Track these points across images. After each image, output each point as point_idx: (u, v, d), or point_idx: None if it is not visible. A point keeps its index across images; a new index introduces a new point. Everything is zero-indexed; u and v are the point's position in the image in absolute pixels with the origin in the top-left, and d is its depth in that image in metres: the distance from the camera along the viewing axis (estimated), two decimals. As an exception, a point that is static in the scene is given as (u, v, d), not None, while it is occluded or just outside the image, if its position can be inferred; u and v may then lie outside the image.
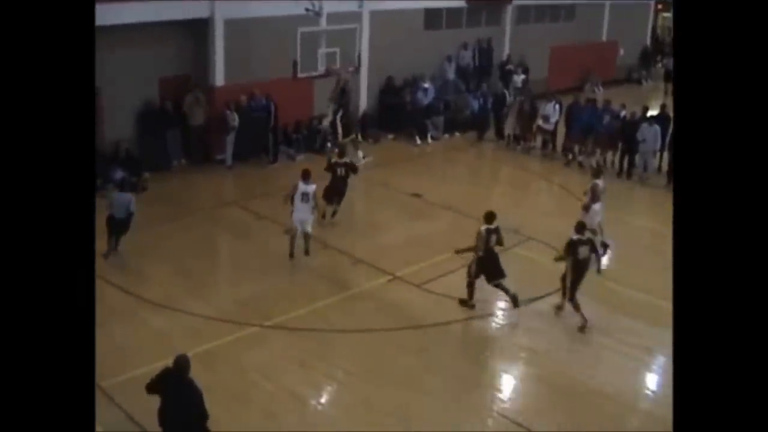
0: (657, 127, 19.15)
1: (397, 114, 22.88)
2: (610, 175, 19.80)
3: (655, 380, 10.82)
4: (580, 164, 20.08)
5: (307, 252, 13.77)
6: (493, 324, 12.31)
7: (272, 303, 12.28)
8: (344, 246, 14.63)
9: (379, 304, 12.52)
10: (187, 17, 18.31)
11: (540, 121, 21.68)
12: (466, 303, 12.29)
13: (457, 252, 12.33)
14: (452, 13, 25.12)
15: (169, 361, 7.97)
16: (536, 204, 18.60)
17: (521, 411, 9.85)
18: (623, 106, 20.77)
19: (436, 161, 21.78)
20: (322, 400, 10.09)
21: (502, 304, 12.56)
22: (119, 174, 15.76)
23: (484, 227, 11.96)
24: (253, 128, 19.34)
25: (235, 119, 19.01)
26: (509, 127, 22.76)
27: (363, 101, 22.64)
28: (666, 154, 19.51)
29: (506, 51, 27.25)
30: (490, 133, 23.28)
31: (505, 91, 23.93)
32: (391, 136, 22.77)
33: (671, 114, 16.82)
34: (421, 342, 11.41)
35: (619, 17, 31.32)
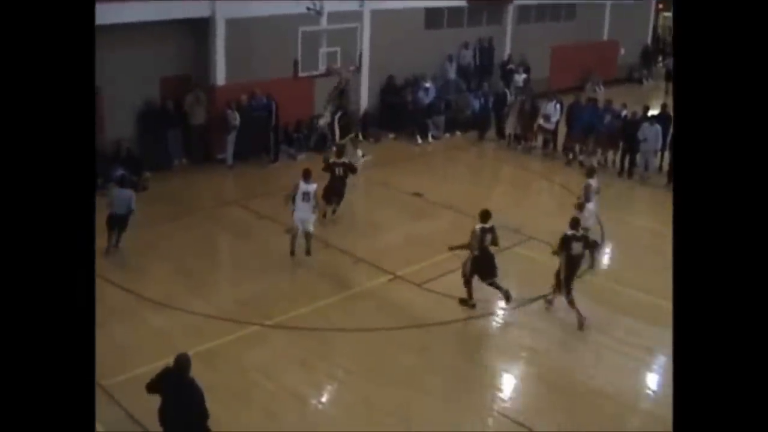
0: (658, 127, 19.14)
1: (398, 113, 22.88)
2: (611, 174, 19.86)
3: (655, 380, 10.81)
4: (581, 164, 20.04)
5: (308, 252, 13.77)
6: (494, 323, 12.31)
7: (273, 302, 12.29)
8: (345, 245, 14.63)
9: (380, 303, 12.52)
10: (188, 16, 18.32)
11: (541, 121, 21.68)
12: (467, 302, 12.29)
13: (451, 249, 12.34)
14: (453, 12, 25.12)
15: (169, 360, 7.97)
16: (537, 203, 18.59)
17: (522, 410, 9.85)
18: (624, 106, 20.76)
19: (437, 160, 21.78)
20: (323, 400, 10.10)
21: (502, 303, 12.56)
22: (119, 171, 15.77)
23: (479, 226, 11.99)
24: (254, 127, 19.34)
25: (236, 118, 19.01)
26: (510, 126, 22.76)
27: (364, 100, 22.65)
28: (667, 154, 19.49)
29: (507, 50, 27.24)
30: (491, 133, 23.28)
31: (506, 91, 23.93)
32: (392, 136, 22.77)
33: (672, 113, 16.82)
34: (422, 341, 11.41)
35: (620, 17, 31.31)
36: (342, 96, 18.88)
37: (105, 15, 13.96)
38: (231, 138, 19.17)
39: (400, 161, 20.61)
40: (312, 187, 13.65)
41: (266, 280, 13.19)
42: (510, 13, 27.02)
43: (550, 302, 12.37)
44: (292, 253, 13.83)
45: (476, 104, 23.87)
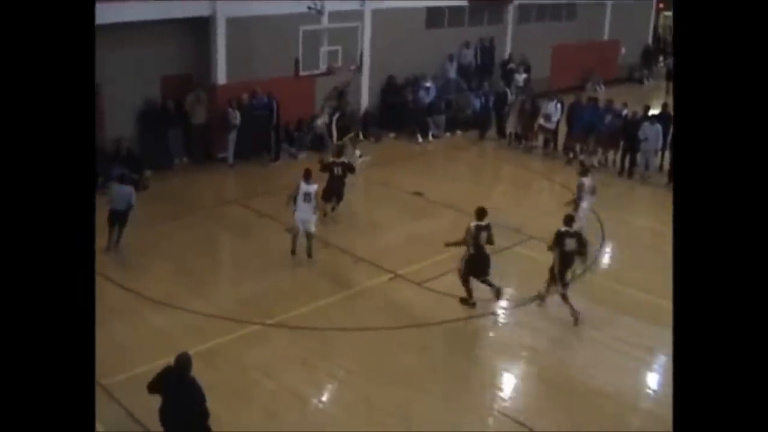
0: (658, 126, 19.13)
1: (399, 112, 22.88)
2: (612, 174, 19.86)
3: (655, 379, 10.81)
4: (582, 163, 20.01)
5: (309, 254, 13.76)
6: (494, 323, 12.32)
7: (273, 301, 12.29)
8: (345, 244, 14.63)
9: (381, 302, 12.52)
10: (188, 15, 18.33)
11: (542, 120, 21.68)
12: (467, 302, 12.30)
13: (447, 245, 12.36)
14: (454, 11, 25.12)
15: (170, 360, 7.98)
16: (537, 203, 18.58)
17: (522, 410, 9.85)
18: (625, 105, 20.75)
19: (437, 160, 21.79)
20: (323, 399, 10.10)
21: (502, 303, 12.57)
22: (119, 169, 15.78)
23: (474, 223, 12.03)
24: (255, 126, 19.36)
25: (236, 117, 19.02)
26: (511, 125, 22.80)
27: (364, 100, 22.66)
28: (667, 154, 19.49)
29: (508, 50, 27.24)
30: (492, 132, 23.28)
31: (507, 90, 23.94)
32: (392, 135, 22.78)
33: (672, 113, 16.81)
34: (423, 340, 11.41)
35: (620, 16, 31.29)
36: (341, 97, 18.91)
37: (105, 14, 13.99)
38: (232, 137, 19.18)
39: (400, 160, 20.62)
40: (313, 188, 13.64)
41: (267, 279, 13.19)
42: (511, 12, 27.02)
43: (542, 299, 12.41)
44: (293, 252, 13.83)
45: (477, 104, 23.87)
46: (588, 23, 30.10)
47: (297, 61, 17.90)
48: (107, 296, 11.76)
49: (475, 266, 12.11)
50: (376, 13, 21.97)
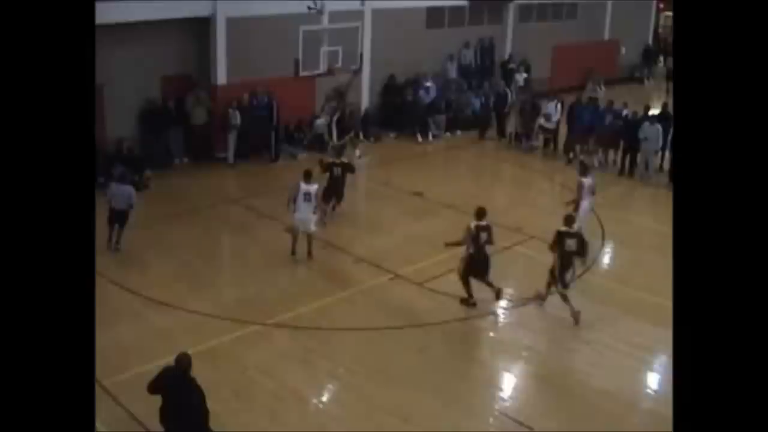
0: (659, 126, 19.11)
1: (399, 112, 22.88)
2: (612, 174, 19.85)
3: (656, 379, 10.81)
4: (582, 163, 20.02)
5: (310, 255, 13.74)
6: (495, 323, 12.31)
7: (274, 301, 12.29)
8: (346, 244, 14.63)
9: (381, 302, 12.52)
10: (189, 15, 18.34)
11: (542, 120, 21.68)
12: (467, 302, 12.30)
13: (447, 245, 12.37)
14: (454, 11, 25.10)
15: (170, 359, 7.99)
16: (538, 203, 18.57)
17: (522, 410, 9.85)
18: (625, 105, 20.76)
19: (437, 160, 21.79)
20: (324, 398, 10.10)
21: (503, 303, 12.57)
22: (119, 168, 15.76)
23: (473, 223, 12.03)
24: (255, 126, 19.37)
25: (237, 117, 19.02)
26: (511, 125, 22.79)
27: (365, 100, 22.64)
28: (668, 154, 19.48)
29: (508, 50, 27.23)
30: (492, 132, 23.27)
31: (507, 90, 23.90)
32: (392, 135, 22.77)
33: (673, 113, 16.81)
34: (423, 341, 11.41)
35: (621, 16, 31.27)
36: (341, 98, 18.92)
37: (106, 14, 14.00)
38: (232, 137, 19.19)
39: (400, 160, 20.61)
40: (313, 188, 13.62)
41: (267, 278, 13.19)
42: (511, 12, 27.00)
43: (542, 299, 12.44)
44: (293, 252, 13.82)
45: (477, 103, 23.89)
46: (588, 23, 30.09)
47: (297, 61, 17.92)
48: (107, 296, 11.76)
49: (475, 266, 12.11)
50: (377, 13, 21.96)
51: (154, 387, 7.84)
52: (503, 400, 10.17)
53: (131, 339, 10.97)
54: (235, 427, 8.89)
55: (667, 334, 9.54)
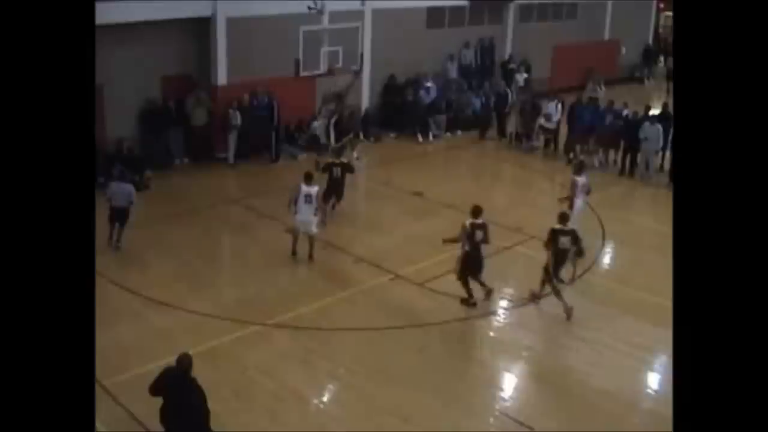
0: (659, 126, 19.11)
1: (400, 112, 22.89)
2: (613, 174, 19.85)
3: (656, 379, 10.81)
4: (583, 163, 20.00)
5: (311, 257, 13.72)
6: (495, 323, 12.31)
7: (274, 301, 12.29)
8: (346, 244, 14.64)
9: (381, 302, 12.52)
10: (189, 15, 18.35)
11: (542, 120, 21.68)
12: (467, 301, 12.31)
13: (445, 241, 12.39)
14: (454, 11, 25.10)
15: (171, 360, 7.99)
16: (538, 203, 18.55)
17: (522, 410, 9.85)
18: (625, 105, 20.76)
19: (438, 160, 21.79)
20: (324, 399, 10.10)
21: (503, 302, 12.57)
22: (119, 167, 15.77)
23: (469, 221, 12.05)
24: (256, 127, 19.37)
25: (237, 117, 19.02)
26: (511, 125, 22.79)
27: (365, 100, 22.64)
28: (668, 153, 19.48)
29: (508, 49, 27.23)
30: (492, 132, 23.27)
31: (508, 90, 23.90)
32: (393, 135, 22.77)
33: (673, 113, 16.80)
34: (423, 341, 11.41)
35: (621, 16, 31.27)
36: (339, 101, 18.93)
37: (106, 14, 14.01)
38: (232, 137, 19.19)
39: (401, 160, 20.61)
40: (314, 189, 13.60)
41: (267, 279, 13.19)
42: (511, 12, 27.00)
43: (536, 296, 12.51)
44: (294, 253, 13.81)
45: (477, 103, 23.89)
46: (589, 23, 30.09)
47: (297, 62, 17.92)
48: (107, 296, 11.76)
49: (470, 264, 12.13)
50: (377, 13, 21.96)
51: (155, 389, 7.83)
52: (503, 399, 10.17)
53: (131, 339, 10.97)
54: (235, 427, 8.89)
55: (667, 334, 9.54)
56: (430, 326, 11.79)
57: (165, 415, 7.80)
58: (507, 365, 11.12)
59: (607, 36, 31.37)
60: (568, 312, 11.98)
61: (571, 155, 20.82)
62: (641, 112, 19.99)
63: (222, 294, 12.80)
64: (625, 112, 20.37)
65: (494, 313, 12.45)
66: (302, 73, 18.39)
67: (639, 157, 19.68)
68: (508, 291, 13.07)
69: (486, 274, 12.47)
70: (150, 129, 18.51)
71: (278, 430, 9.19)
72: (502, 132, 23.13)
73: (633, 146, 19.68)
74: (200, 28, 18.84)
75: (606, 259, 15.11)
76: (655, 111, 20.42)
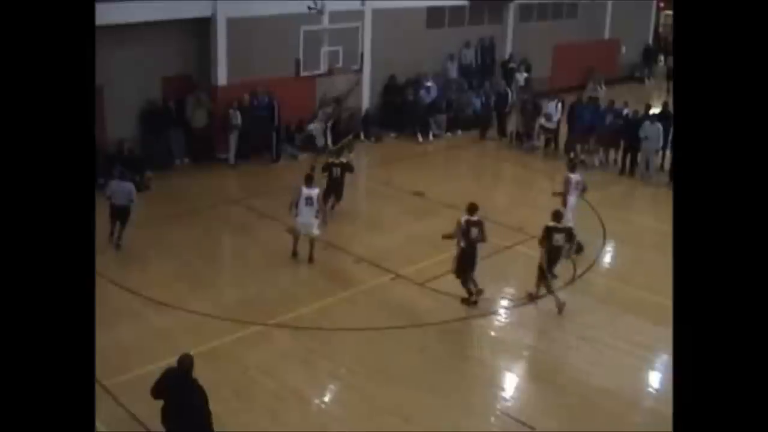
0: (659, 125, 19.10)
1: (400, 112, 22.89)
2: (613, 173, 19.85)
3: (657, 378, 10.81)
4: (583, 163, 20.02)
5: (311, 259, 13.70)
6: (495, 322, 12.31)
7: (275, 301, 12.30)
8: (347, 244, 14.64)
9: (382, 302, 12.52)
10: (189, 16, 18.35)
11: (542, 120, 21.67)
12: (468, 300, 12.31)
13: (444, 237, 12.41)
14: (455, 11, 25.10)
15: (172, 360, 7.99)
16: (539, 202, 18.51)
17: (523, 409, 9.86)
18: (626, 105, 20.76)
19: (438, 159, 21.79)
20: (325, 398, 10.10)
21: (504, 302, 12.57)
22: (119, 167, 15.78)
23: (464, 217, 12.07)
24: (256, 127, 19.37)
25: (238, 118, 19.03)
26: (512, 125, 22.80)
27: (365, 100, 22.65)
28: (668, 153, 19.47)
29: (508, 49, 27.23)
30: (493, 132, 23.27)
31: (508, 90, 23.89)
32: (393, 135, 22.77)
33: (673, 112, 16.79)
34: (424, 340, 11.41)
35: (621, 15, 31.26)
36: (338, 104, 18.94)
37: (106, 15, 14.01)
38: (233, 137, 19.19)
39: (401, 160, 20.61)
40: (314, 192, 13.57)
41: (268, 279, 13.19)
42: (511, 11, 27.00)
43: (533, 296, 12.53)
44: (295, 254, 13.80)
45: (478, 103, 23.89)
46: (589, 22, 30.09)
47: (298, 62, 17.93)
48: (108, 296, 11.76)
49: (465, 261, 12.14)
50: (377, 13, 21.96)
51: (157, 391, 7.81)
52: (504, 399, 10.17)
53: (132, 339, 10.98)
54: (236, 428, 8.90)
55: (667, 333, 9.54)
56: (430, 326, 11.79)
57: (166, 416, 7.80)
58: (508, 365, 11.12)
59: (607, 35, 31.36)
60: (560, 306, 12.09)
61: (572, 154, 20.81)
62: (641, 112, 20.00)
63: (223, 294, 12.81)
64: (625, 112, 20.37)
65: (495, 312, 12.46)
66: (302, 73, 18.41)
67: (639, 157, 19.68)
68: (509, 290, 13.07)
69: (487, 274, 12.48)
70: (150, 129, 18.51)
71: (279, 430, 9.19)
72: (502, 132, 23.13)
73: (633, 145, 19.68)
74: (200, 29, 18.85)
75: (606, 258, 15.12)
76: (655, 110, 20.42)
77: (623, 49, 32.16)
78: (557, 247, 12.16)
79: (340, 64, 18.65)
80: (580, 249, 14.08)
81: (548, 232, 12.16)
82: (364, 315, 12.09)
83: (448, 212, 16.42)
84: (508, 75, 26.25)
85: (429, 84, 23.25)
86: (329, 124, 18.64)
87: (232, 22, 18.84)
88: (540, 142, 22.05)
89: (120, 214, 13.76)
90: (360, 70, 20.37)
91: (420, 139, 22.44)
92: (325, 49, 18.21)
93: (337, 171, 15.65)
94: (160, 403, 7.80)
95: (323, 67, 18.47)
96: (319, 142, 18.72)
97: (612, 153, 20.66)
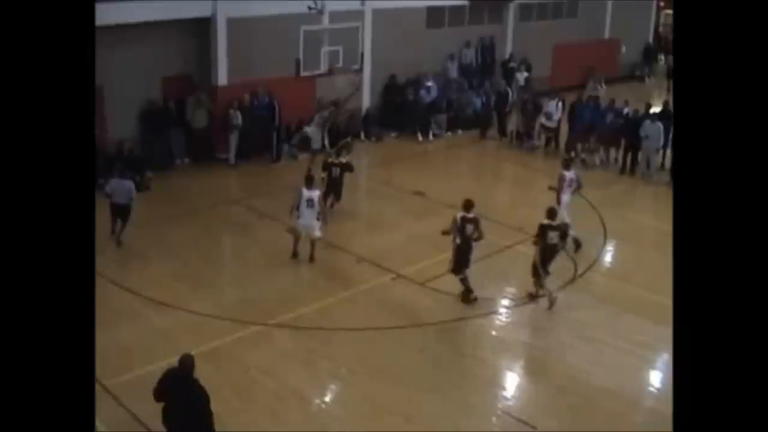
0: (660, 125, 19.10)
1: (400, 112, 22.88)
2: (613, 172, 19.84)
3: (658, 377, 10.80)
4: (583, 162, 20.04)
5: (312, 259, 13.70)
6: (496, 322, 12.31)
7: (275, 301, 12.30)
8: (348, 244, 14.64)
9: (383, 302, 12.52)
10: (189, 16, 18.34)
11: (543, 119, 21.66)
12: (468, 298, 12.31)
13: (443, 233, 12.42)
14: (454, 11, 25.09)
15: (173, 360, 7.99)
16: (539, 202, 18.47)
17: (525, 409, 9.86)
18: (626, 104, 20.75)
19: (438, 159, 21.78)
20: (326, 398, 10.10)
21: (504, 301, 12.57)
22: (119, 167, 15.79)
23: (459, 214, 12.08)
24: (256, 127, 19.37)
25: (238, 118, 19.03)
26: (512, 124, 22.79)
27: (366, 99, 22.64)
28: (669, 152, 19.46)
29: (509, 49, 27.21)
30: (493, 131, 23.26)
31: (508, 89, 23.87)
32: (394, 135, 22.76)
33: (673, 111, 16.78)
34: (425, 340, 11.41)
35: (621, 14, 31.23)
36: (336, 108, 18.94)
37: (106, 15, 14.01)
38: (233, 137, 19.19)
39: (402, 160, 20.60)
40: (315, 194, 13.56)
41: (269, 279, 13.19)
42: (511, 11, 26.98)
43: (533, 296, 12.55)
44: (295, 255, 13.78)
45: (478, 103, 23.88)
46: (589, 22, 30.07)
47: (298, 62, 17.91)
48: (108, 297, 11.77)
49: (461, 258, 12.14)
50: (377, 13, 21.95)
51: (159, 393, 7.79)
52: (505, 398, 10.17)
53: (132, 339, 10.98)
54: (237, 427, 8.90)
55: (668, 332, 9.53)
56: (431, 326, 11.79)
57: (167, 416, 7.80)
58: (508, 364, 11.13)
59: (607, 34, 31.34)
60: (552, 301, 12.17)
61: (572, 154, 20.80)
62: (642, 111, 19.98)
63: (223, 294, 12.81)
64: (625, 111, 20.36)
65: (495, 312, 12.45)
66: (303, 73, 18.38)
67: (640, 156, 19.67)
68: (509, 290, 13.07)
69: (487, 273, 12.47)
70: (150, 129, 18.51)
71: (279, 430, 9.19)
72: (502, 131, 23.11)
73: (634, 144, 19.67)
74: (200, 29, 18.85)
75: (607, 257, 15.11)
76: (655, 109, 20.41)
77: (623, 49, 32.14)
78: (552, 245, 12.20)
79: (341, 64, 18.63)
80: (578, 246, 14.11)
81: (543, 229, 12.21)
82: (364, 315, 12.09)
83: (448, 212, 16.30)
84: (509, 74, 26.23)
85: (429, 84, 23.24)
86: (326, 127, 18.61)
87: (232, 22, 18.84)
88: (540, 141, 22.04)
89: (121, 213, 13.83)
90: (360, 70, 20.35)
91: (420, 138, 22.44)
92: (325, 49, 18.19)
93: (336, 170, 15.66)
94: (161, 403, 7.81)
95: (323, 67, 18.45)
96: (315, 144, 18.69)
97: (612, 152, 20.65)
